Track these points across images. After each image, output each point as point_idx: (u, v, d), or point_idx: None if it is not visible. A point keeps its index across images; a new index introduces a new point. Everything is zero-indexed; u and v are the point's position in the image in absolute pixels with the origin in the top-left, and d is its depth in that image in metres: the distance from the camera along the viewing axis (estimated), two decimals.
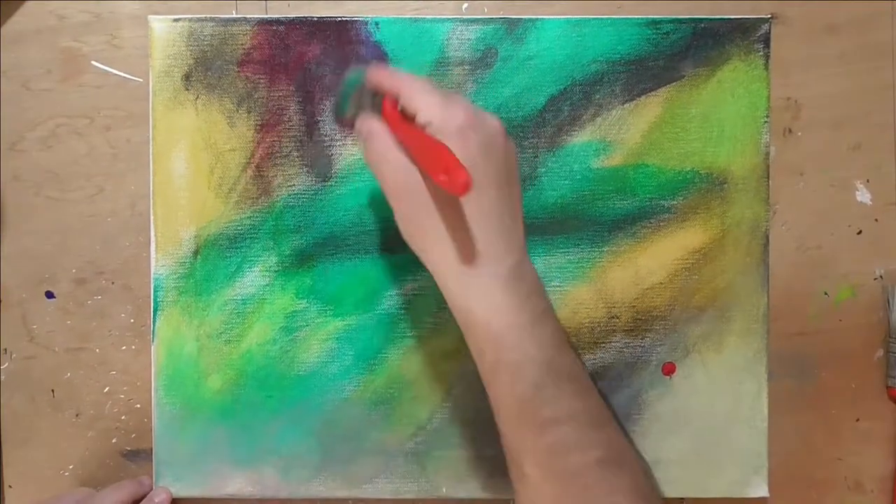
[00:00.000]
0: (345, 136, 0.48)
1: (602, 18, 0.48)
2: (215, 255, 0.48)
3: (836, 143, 0.49)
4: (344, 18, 0.48)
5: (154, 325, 0.48)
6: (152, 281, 0.48)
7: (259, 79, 0.48)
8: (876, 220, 0.49)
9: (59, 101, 0.48)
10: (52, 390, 0.49)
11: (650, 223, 0.48)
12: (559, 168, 0.48)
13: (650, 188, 0.48)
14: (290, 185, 0.48)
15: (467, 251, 0.38)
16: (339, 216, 0.48)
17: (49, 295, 0.49)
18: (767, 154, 0.48)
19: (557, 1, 0.49)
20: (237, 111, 0.48)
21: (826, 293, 0.49)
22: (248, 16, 0.48)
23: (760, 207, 0.48)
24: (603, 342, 0.48)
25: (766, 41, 0.48)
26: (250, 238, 0.48)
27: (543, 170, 0.48)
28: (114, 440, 0.49)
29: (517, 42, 0.48)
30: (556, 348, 0.39)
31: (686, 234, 0.48)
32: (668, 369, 0.48)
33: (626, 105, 0.48)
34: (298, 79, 0.48)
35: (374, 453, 0.48)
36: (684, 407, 0.48)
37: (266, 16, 0.48)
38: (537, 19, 0.48)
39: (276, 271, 0.48)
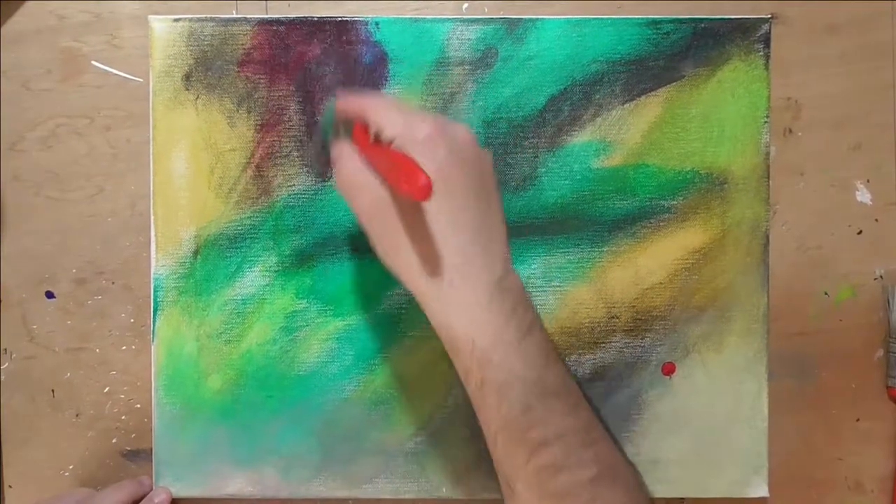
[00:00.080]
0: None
1: (602, 18, 0.48)
2: (215, 255, 0.48)
3: (836, 143, 0.49)
4: (344, 18, 0.48)
5: (154, 325, 0.48)
6: (152, 281, 0.48)
7: (259, 79, 0.48)
8: (876, 220, 0.49)
9: (59, 101, 0.48)
10: (52, 390, 0.49)
11: (650, 223, 0.48)
12: (559, 168, 0.48)
13: (650, 188, 0.48)
14: (290, 185, 0.48)
15: (444, 267, 0.36)
16: (339, 216, 0.48)
17: (49, 295, 0.49)
18: (768, 154, 0.48)
19: (557, 1, 0.49)
20: (237, 111, 0.48)
21: (826, 293, 0.49)
22: (248, 16, 0.48)
23: (761, 207, 0.48)
24: (603, 342, 0.48)
25: (767, 41, 0.48)
26: (250, 238, 0.48)
27: (543, 170, 0.48)
28: (114, 440, 0.49)
29: (517, 42, 0.48)
30: (544, 364, 0.37)
31: (686, 234, 0.48)
32: (668, 369, 0.48)
33: (627, 105, 0.48)
34: (298, 79, 0.48)
35: (374, 453, 0.48)
36: (684, 407, 0.48)
37: (266, 16, 0.48)
38: (537, 19, 0.48)
39: (276, 271, 0.48)
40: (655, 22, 0.48)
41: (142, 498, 0.47)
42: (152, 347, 0.48)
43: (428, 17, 0.48)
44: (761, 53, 0.48)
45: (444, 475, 0.48)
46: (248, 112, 0.48)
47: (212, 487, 0.48)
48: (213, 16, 0.48)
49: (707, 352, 0.48)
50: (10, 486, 0.49)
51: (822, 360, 0.49)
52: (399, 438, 0.48)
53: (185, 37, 0.47)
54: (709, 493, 0.48)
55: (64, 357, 0.49)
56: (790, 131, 0.49)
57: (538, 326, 0.38)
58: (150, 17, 0.48)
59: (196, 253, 0.48)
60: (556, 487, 0.36)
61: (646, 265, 0.48)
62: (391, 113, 0.38)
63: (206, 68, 0.47)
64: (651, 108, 0.48)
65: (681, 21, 0.48)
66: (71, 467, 0.49)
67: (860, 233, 0.49)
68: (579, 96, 0.48)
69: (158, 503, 0.47)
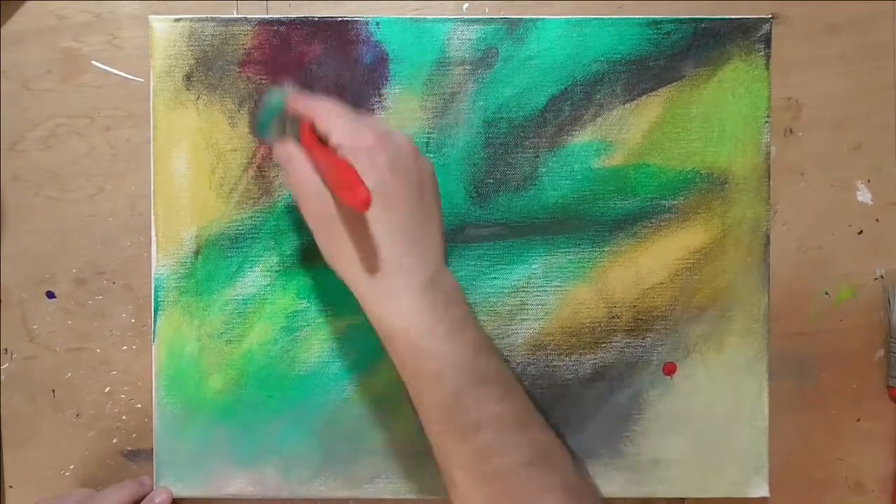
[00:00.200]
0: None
1: (603, 18, 0.48)
2: (216, 255, 0.48)
3: (836, 143, 0.49)
4: (345, 18, 0.48)
5: (155, 325, 0.48)
6: (153, 281, 0.48)
7: (260, 79, 0.48)
8: (877, 220, 0.49)
9: (59, 101, 0.48)
10: (53, 390, 0.49)
11: (651, 223, 0.48)
12: (560, 168, 0.48)
13: (651, 188, 0.48)
14: None
15: (381, 270, 0.39)
16: None
17: (49, 295, 0.49)
18: (768, 154, 0.48)
19: (558, 1, 0.49)
20: (238, 111, 0.48)
21: (827, 293, 0.49)
22: (248, 16, 0.48)
23: (761, 207, 0.48)
24: (604, 342, 0.48)
25: (767, 41, 0.48)
26: (251, 238, 0.48)
27: (544, 170, 0.48)
28: (114, 440, 0.49)
29: (518, 42, 0.48)
30: (476, 354, 0.39)
31: (687, 233, 0.48)
32: (669, 369, 0.48)
33: (627, 105, 0.48)
34: (299, 79, 0.47)
35: (374, 453, 0.48)
36: (685, 407, 0.48)
37: (267, 16, 0.48)
38: (538, 19, 0.48)
39: (277, 271, 0.48)
40: (656, 22, 0.48)
41: (142, 498, 0.47)
42: (153, 347, 0.48)
43: (428, 17, 0.48)
44: (762, 53, 0.48)
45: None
46: (250, 112, 0.48)
47: (212, 487, 0.48)
48: (214, 16, 0.48)
49: (708, 352, 0.48)
50: (10, 486, 0.49)
51: (822, 360, 0.49)
52: (399, 438, 0.48)
53: (185, 37, 0.47)
54: (709, 493, 0.48)
55: (64, 357, 0.49)
56: (790, 131, 0.49)
57: (471, 322, 0.41)
58: (151, 17, 0.48)
59: (197, 253, 0.48)
60: (489, 470, 0.38)
61: (647, 265, 0.48)
62: (339, 120, 0.40)
63: (206, 68, 0.47)
64: (652, 107, 0.48)
65: (681, 21, 0.48)
66: (71, 467, 0.49)
67: (860, 233, 0.49)
68: (580, 96, 0.48)
69: (159, 503, 0.47)
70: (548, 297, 0.48)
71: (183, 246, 0.48)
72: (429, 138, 0.48)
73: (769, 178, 0.48)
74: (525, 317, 0.48)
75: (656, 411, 0.48)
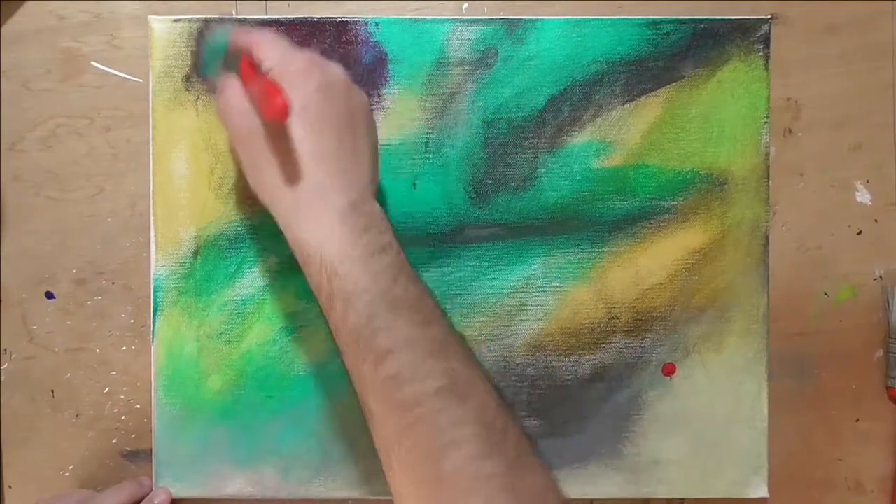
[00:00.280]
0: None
1: (602, 19, 0.48)
2: (215, 256, 0.48)
3: (836, 144, 0.49)
4: (344, 19, 0.48)
5: (154, 325, 0.48)
6: (152, 281, 0.48)
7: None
8: (876, 220, 0.49)
9: (59, 101, 0.48)
10: (52, 390, 0.49)
11: (650, 223, 0.48)
12: (559, 168, 0.48)
13: (650, 188, 0.48)
14: None
15: (302, 187, 0.39)
16: None
17: (49, 295, 0.49)
18: (767, 154, 0.48)
19: (557, 1, 0.49)
20: None
21: (826, 293, 0.49)
22: (248, 16, 0.48)
23: (760, 208, 0.48)
24: (603, 343, 0.48)
25: (766, 41, 0.48)
26: (250, 238, 0.48)
27: (543, 170, 0.48)
28: (114, 440, 0.49)
29: (517, 42, 0.48)
30: (394, 280, 0.39)
31: (686, 234, 0.48)
32: (669, 370, 0.48)
33: (627, 105, 0.48)
34: None
35: (374, 453, 0.48)
36: (684, 407, 0.48)
37: (266, 16, 0.48)
38: (537, 20, 0.48)
39: (276, 272, 0.48)
40: (655, 22, 0.48)
41: (142, 499, 0.47)
42: (152, 348, 0.48)
43: (428, 17, 0.48)
44: (761, 54, 0.48)
45: None
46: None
47: (212, 488, 0.48)
48: (214, 16, 0.48)
49: (707, 352, 0.48)
50: (10, 487, 0.49)
51: (822, 361, 0.49)
52: None
53: (185, 37, 0.47)
54: (709, 494, 0.48)
55: (64, 357, 0.49)
56: (790, 131, 0.49)
57: (393, 249, 0.40)
58: (150, 17, 0.48)
59: (196, 253, 0.48)
60: (402, 397, 0.37)
61: (646, 265, 0.48)
62: (272, 45, 0.41)
63: None
64: (651, 108, 0.48)
65: (681, 21, 0.48)
66: (71, 467, 0.49)
67: (860, 233, 0.49)
68: (579, 97, 0.48)
69: (158, 503, 0.47)
70: (547, 297, 0.48)
71: (182, 246, 0.48)
72: (428, 138, 0.48)
73: (768, 178, 0.48)
74: (524, 317, 0.48)
75: (656, 412, 0.48)
